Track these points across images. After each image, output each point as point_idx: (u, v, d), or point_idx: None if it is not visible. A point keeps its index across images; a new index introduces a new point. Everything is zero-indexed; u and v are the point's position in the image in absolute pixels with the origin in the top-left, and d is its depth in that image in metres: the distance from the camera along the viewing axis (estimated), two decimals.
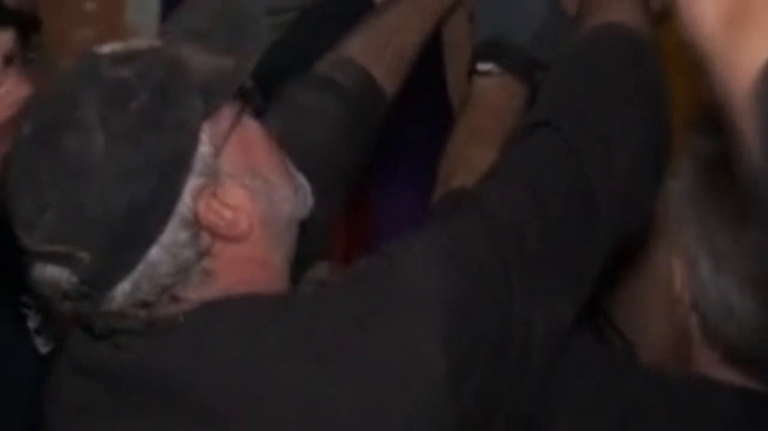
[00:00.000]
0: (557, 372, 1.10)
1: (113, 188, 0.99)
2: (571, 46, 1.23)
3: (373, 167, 1.41)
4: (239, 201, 1.04)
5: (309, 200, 1.10)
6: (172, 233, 1.01)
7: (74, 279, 1.01)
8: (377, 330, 1.01)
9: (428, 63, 1.40)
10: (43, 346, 1.48)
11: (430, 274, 1.02)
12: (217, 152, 1.02)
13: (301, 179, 1.10)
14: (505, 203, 1.08)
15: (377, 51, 1.36)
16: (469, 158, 1.28)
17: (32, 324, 1.48)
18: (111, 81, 1.01)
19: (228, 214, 1.03)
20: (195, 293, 1.03)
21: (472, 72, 1.36)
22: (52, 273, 1.02)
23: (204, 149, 1.02)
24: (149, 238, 1.00)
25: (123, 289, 1.01)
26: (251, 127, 1.08)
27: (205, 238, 1.02)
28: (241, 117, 1.06)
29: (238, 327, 1.02)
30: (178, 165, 1.00)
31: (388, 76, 1.36)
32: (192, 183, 1.01)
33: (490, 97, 1.35)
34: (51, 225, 1.00)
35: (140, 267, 1.00)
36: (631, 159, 1.13)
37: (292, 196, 1.09)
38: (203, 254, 1.02)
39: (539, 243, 1.06)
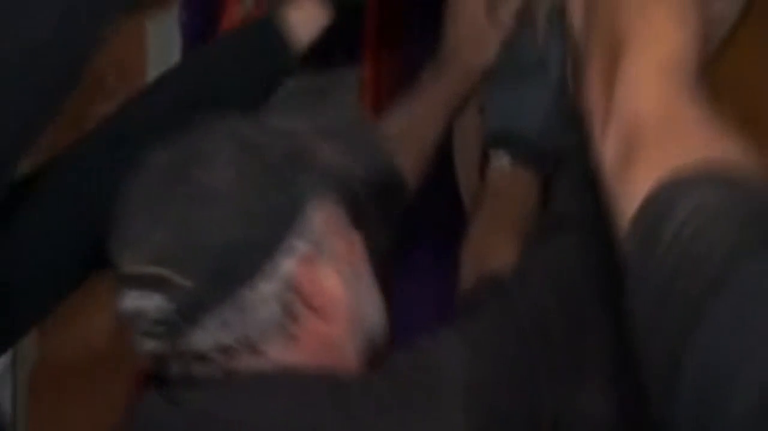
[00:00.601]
0: None
1: (232, 221, 1.05)
2: (576, 138, 1.26)
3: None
4: (332, 284, 1.09)
5: (383, 318, 1.15)
6: (269, 284, 1.06)
7: (166, 306, 1.04)
8: (406, 419, 1.05)
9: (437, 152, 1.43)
10: None
11: (458, 366, 1.07)
12: (326, 230, 1.09)
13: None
14: (529, 298, 1.12)
15: (401, 143, 1.40)
16: (495, 248, 1.32)
17: None
18: (246, 137, 1.09)
19: (319, 289, 1.08)
20: (275, 353, 1.08)
21: (484, 163, 1.41)
22: (142, 300, 1.05)
23: (316, 221, 1.08)
24: (247, 281, 1.05)
25: (210, 326, 1.05)
26: (354, 231, 1.14)
27: (296, 302, 1.07)
28: (349, 218, 1.13)
29: (302, 400, 1.06)
30: (291, 224, 1.07)
31: (411, 167, 1.41)
32: (298, 246, 1.07)
33: (507, 187, 1.39)
34: (161, 245, 1.05)
35: (231, 308, 1.05)
36: None
37: (376, 303, 1.14)
38: (291, 316, 1.07)
39: (564, 337, 1.10)
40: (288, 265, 1.06)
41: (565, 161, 1.28)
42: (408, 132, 1.41)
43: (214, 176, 1.06)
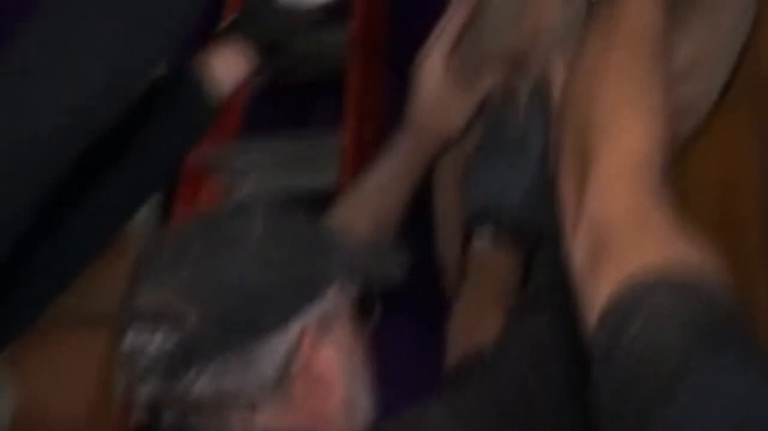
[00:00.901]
0: None
1: (257, 270, 1.08)
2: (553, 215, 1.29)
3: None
4: (331, 362, 1.11)
5: (371, 415, 1.16)
6: (277, 341, 1.08)
7: (169, 339, 1.06)
8: None
9: (416, 224, 1.45)
10: None
11: (440, 426, 1.10)
12: (338, 313, 1.12)
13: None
14: (510, 372, 1.15)
15: (367, 206, 1.42)
16: (480, 323, 1.34)
17: None
18: (284, 211, 1.14)
19: (319, 362, 1.10)
20: (266, 414, 1.08)
21: (467, 237, 1.42)
22: (146, 335, 1.07)
23: (333, 300, 1.11)
24: (257, 332, 1.07)
25: (210, 372, 1.06)
26: (358, 325, 1.16)
27: (297, 367, 1.09)
28: (355, 312, 1.15)
29: None
30: (313, 292, 1.10)
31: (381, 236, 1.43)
32: (314, 314, 1.10)
33: (490, 263, 1.41)
34: (184, 279, 1.07)
35: (236, 356, 1.07)
36: None
37: (367, 398, 1.15)
38: (289, 379, 1.09)
39: (544, 410, 1.13)
40: (298, 328, 1.08)
41: (545, 236, 1.31)
42: (371, 197, 1.42)
43: (249, 226, 1.10)
